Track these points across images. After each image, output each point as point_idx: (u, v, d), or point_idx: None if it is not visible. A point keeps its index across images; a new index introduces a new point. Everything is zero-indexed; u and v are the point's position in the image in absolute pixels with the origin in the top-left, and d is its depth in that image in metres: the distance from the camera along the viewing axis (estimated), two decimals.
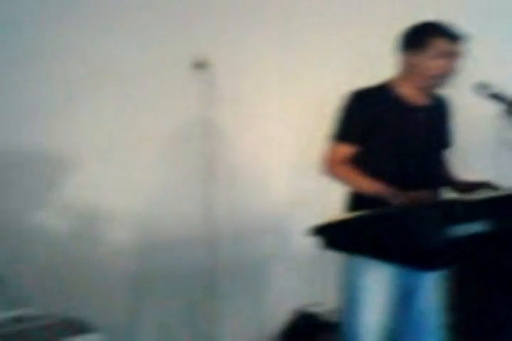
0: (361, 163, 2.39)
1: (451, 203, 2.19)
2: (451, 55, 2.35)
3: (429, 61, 2.35)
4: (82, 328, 1.60)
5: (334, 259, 2.48)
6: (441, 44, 2.34)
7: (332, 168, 2.41)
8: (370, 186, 2.32)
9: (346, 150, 2.40)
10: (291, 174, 3.29)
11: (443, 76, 2.37)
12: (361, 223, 2.14)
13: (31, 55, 2.64)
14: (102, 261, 2.79)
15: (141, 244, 2.94)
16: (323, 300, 3.21)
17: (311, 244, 2.76)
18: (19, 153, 2.66)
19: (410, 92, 2.42)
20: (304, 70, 3.19)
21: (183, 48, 2.91)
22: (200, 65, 2.96)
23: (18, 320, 1.80)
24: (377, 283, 2.38)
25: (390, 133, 2.39)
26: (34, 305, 1.86)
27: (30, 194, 2.70)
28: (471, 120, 2.99)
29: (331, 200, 2.65)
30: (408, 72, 2.41)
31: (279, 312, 3.26)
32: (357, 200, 2.41)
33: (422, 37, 2.36)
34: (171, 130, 3.02)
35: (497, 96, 2.36)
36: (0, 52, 2.59)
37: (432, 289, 2.51)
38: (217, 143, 3.08)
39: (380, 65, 2.59)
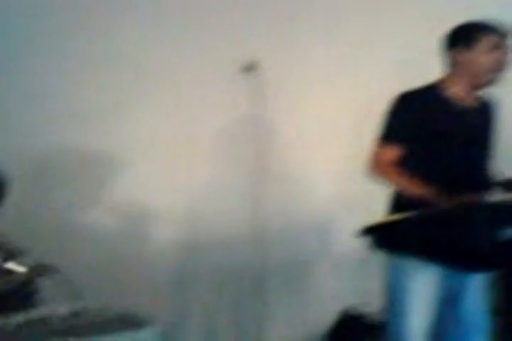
0: (408, 164, 2.38)
1: (501, 205, 2.18)
2: (503, 49, 2.35)
3: (484, 55, 2.33)
4: (138, 323, 1.63)
5: (382, 260, 2.48)
6: (492, 38, 2.34)
7: (379, 169, 2.40)
8: (416, 188, 2.31)
9: (393, 151, 2.40)
10: (338, 174, 3.27)
11: (498, 69, 2.35)
12: (411, 224, 2.14)
13: (85, 61, 2.73)
14: (149, 258, 2.87)
15: (190, 242, 2.99)
16: (371, 300, 3.20)
17: (359, 245, 2.76)
18: (72, 154, 2.75)
19: (459, 93, 2.41)
20: (352, 71, 3.20)
21: (233, 52, 2.96)
22: (250, 68, 3.02)
23: (76, 314, 1.84)
24: (423, 285, 2.37)
25: (437, 135, 2.38)
26: (84, 301, 1.91)
27: (82, 193, 2.79)
28: None
29: (377, 201, 2.64)
30: (460, 70, 2.39)
31: (326, 312, 3.26)
32: (403, 202, 2.40)
33: (473, 33, 2.35)
34: (221, 130, 3.07)
35: None
36: (55, 60, 2.68)
37: (479, 291, 2.49)
38: (266, 143, 3.12)
39: (429, 65, 2.58)
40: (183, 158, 2.93)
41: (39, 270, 1.96)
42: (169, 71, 2.87)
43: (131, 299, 2.61)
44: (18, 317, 1.81)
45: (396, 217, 2.29)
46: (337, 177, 3.27)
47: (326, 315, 3.25)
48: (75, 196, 2.77)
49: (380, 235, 2.21)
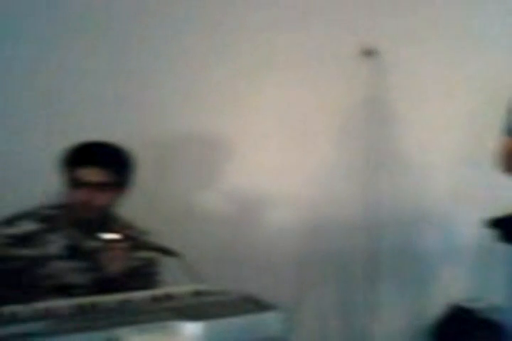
0: None
1: None
2: None
3: None
4: (262, 305, 1.63)
5: (499, 254, 2.39)
6: None
7: (504, 163, 2.31)
8: None
9: None
10: (457, 162, 3.17)
11: None
12: None
13: (207, 46, 2.76)
14: (264, 242, 2.89)
15: (304, 226, 2.97)
16: (483, 295, 3.10)
17: (473, 237, 2.66)
18: (192, 138, 2.79)
19: None
20: (474, 57, 3.09)
21: (354, 37, 2.93)
22: (368, 53, 2.98)
23: (198, 293, 1.87)
24: None
25: None
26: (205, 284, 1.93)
27: (200, 177, 2.84)
28: None
29: (495, 193, 2.55)
30: None
31: (437, 304, 3.18)
32: None
33: None
34: (339, 113, 3.02)
35: None
36: (175, 43, 2.73)
37: None
38: (384, 127, 3.06)
39: None
40: (299, 142, 2.92)
41: (162, 252, 2.00)
42: (289, 55, 2.86)
43: (245, 283, 2.66)
44: (142, 294, 1.86)
45: None
46: (455, 165, 3.16)
47: (436, 307, 3.17)
48: (193, 180, 2.81)
49: (508, 227, 2.12)
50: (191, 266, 1.92)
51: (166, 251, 2.00)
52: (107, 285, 2.05)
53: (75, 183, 2.02)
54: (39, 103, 2.57)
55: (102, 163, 2.04)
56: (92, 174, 2.01)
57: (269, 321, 1.58)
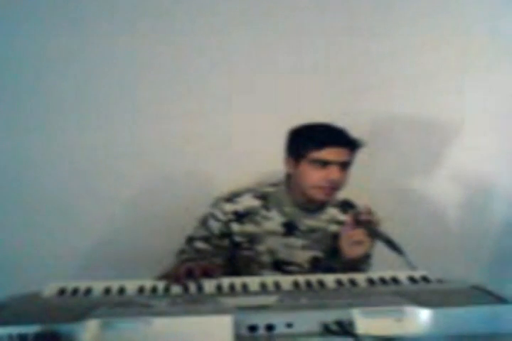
0: None
1: None
2: None
3: None
4: (496, 297, 1.52)
5: None
6: None
7: None
8: None
9: None
10: None
11: None
12: None
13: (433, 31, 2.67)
14: (477, 232, 2.78)
15: None
16: None
17: None
18: (401, 119, 2.71)
19: None
20: None
21: None
22: None
23: (414, 279, 1.80)
24: None
25: None
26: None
27: (410, 159, 2.76)
28: None
29: None
30: None
31: None
32: None
33: None
34: None
35: None
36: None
37: None
38: None
39: None
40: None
41: (389, 245, 1.92)
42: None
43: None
44: (358, 276, 1.82)
45: None
46: None
47: None
48: (403, 161, 2.74)
49: None
50: (413, 264, 1.84)
51: (393, 246, 1.90)
52: (324, 264, 2.05)
53: (323, 162, 2.02)
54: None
55: (344, 143, 2.04)
56: (339, 153, 2.02)
57: (508, 315, 1.46)
